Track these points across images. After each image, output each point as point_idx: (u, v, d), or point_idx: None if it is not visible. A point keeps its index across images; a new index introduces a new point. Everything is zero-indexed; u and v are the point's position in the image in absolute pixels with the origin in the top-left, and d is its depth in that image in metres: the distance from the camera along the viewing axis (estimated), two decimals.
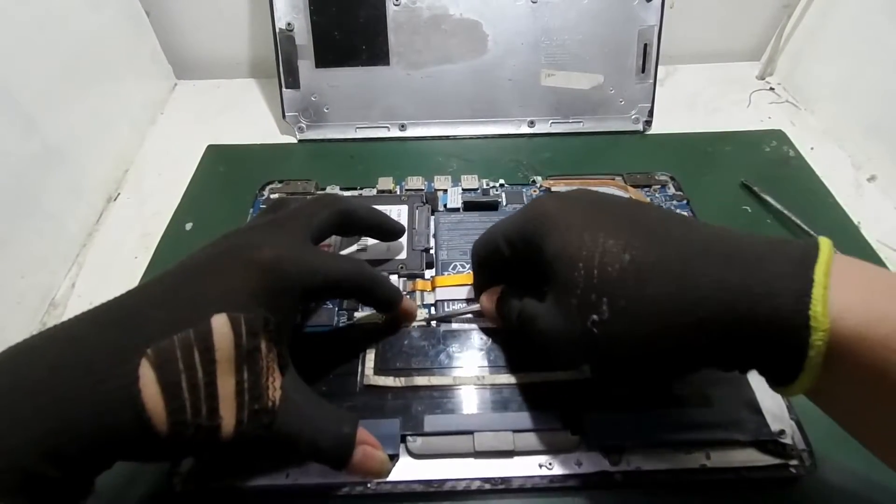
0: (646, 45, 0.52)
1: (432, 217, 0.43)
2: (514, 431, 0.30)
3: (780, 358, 0.21)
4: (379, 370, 0.33)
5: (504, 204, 0.45)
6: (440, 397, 0.32)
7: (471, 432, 0.30)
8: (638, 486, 0.29)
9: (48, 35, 0.42)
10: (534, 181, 0.47)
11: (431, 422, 0.30)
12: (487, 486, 0.29)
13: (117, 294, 0.25)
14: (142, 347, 0.22)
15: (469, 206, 0.44)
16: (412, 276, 0.39)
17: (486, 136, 0.53)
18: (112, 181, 0.50)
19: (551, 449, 0.30)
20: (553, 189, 0.46)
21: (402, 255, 0.39)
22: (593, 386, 0.32)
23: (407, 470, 0.29)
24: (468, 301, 0.37)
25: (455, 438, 0.30)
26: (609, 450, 0.30)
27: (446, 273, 0.38)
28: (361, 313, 0.36)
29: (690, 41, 0.62)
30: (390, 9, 0.50)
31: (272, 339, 0.25)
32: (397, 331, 0.35)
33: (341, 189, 0.46)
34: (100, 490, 0.23)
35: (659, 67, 0.52)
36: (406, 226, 0.41)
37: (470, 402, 0.32)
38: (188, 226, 0.45)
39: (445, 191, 0.46)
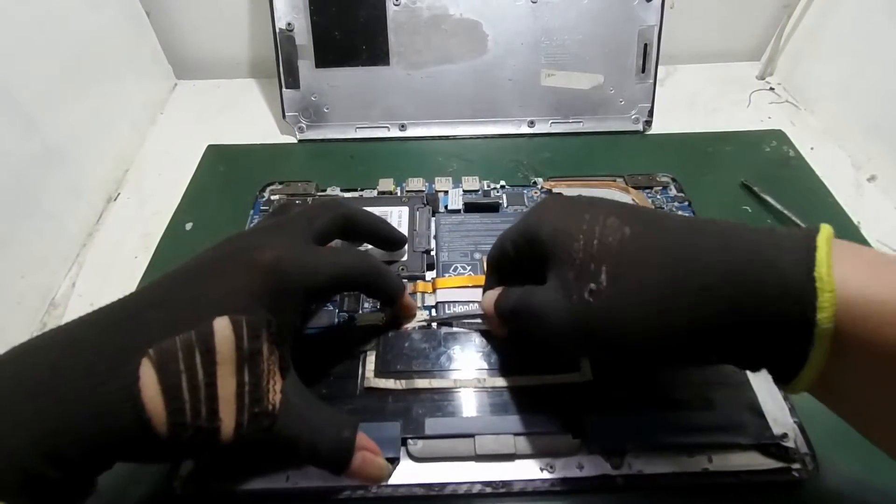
0: (646, 45, 0.51)
1: (433, 219, 0.43)
2: (516, 434, 0.30)
3: (786, 333, 0.20)
4: (379, 372, 0.33)
5: (505, 205, 0.45)
6: (441, 400, 0.32)
7: (472, 435, 0.30)
8: (639, 489, 0.29)
9: (48, 35, 0.42)
10: (534, 182, 0.47)
11: (432, 425, 0.30)
12: (488, 490, 0.29)
13: (118, 294, 0.25)
14: (143, 348, 0.22)
15: (470, 208, 0.44)
16: (413, 278, 0.39)
17: (486, 136, 0.53)
18: (112, 181, 0.50)
19: (552, 452, 0.30)
20: (554, 191, 0.46)
21: (403, 257, 0.39)
22: (595, 389, 0.32)
23: (408, 473, 0.29)
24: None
25: (456, 441, 0.30)
26: (610, 453, 0.30)
27: (447, 275, 0.38)
28: (362, 315, 0.36)
29: (690, 41, 0.62)
30: (390, 9, 0.50)
31: (274, 342, 0.24)
32: (398, 328, 0.35)
33: (342, 190, 0.46)
34: (100, 491, 0.23)
35: (659, 67, 0.52)
36: (407, 228, 0.41)
37: (471, 405, 0.31)
38: (188, 226, 0.45)
39: (446, 192, 0.45)
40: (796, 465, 0.29)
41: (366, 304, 0.37)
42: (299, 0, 0.49)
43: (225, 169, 0.51)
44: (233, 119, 0.57)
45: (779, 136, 0.53)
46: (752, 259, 0.21)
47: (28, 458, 0.20)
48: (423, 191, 0.46)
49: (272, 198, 0.46)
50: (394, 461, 0.29)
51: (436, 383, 0.32)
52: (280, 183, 0.47)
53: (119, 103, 0.51)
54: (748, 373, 0.32)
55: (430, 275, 0.39)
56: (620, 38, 0.51)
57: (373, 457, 0.27)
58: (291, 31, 0.50)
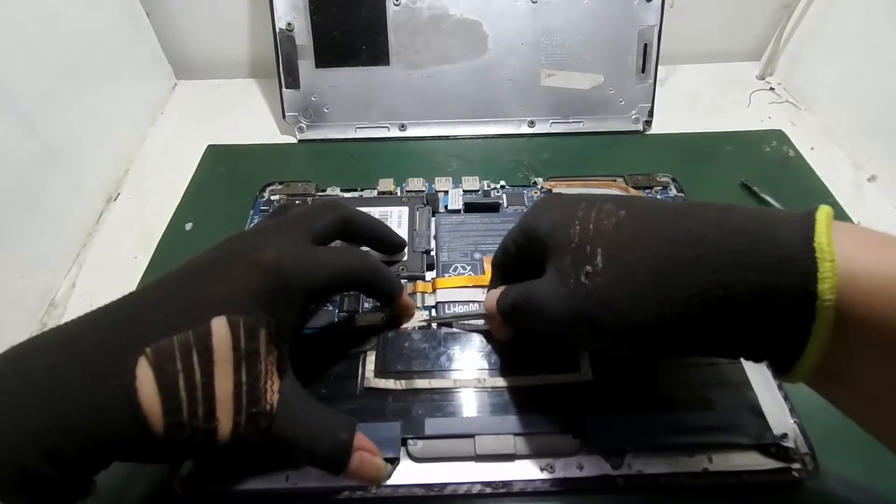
0: (646, 45, 0.51)
1: (433, 219, 0.43)
2: (516, 435, 0.30)
3: (787, 307, 0.19)
4: (379, 373, 0.33)
5: (505, 205, 0.45)
6: (441, 400, 0.32)
7: (472, 436, 0.30)
8: (639, 489, 0.29)
9: (48, 35, 0.42)
10: (534, 182, 0.47)
11: (432, 425, 0.30)
12: (488, 490, 0.29)
13: (117, 294, 0.25)
14: (140, 348, 0.22)
15: (470, 208, 0.44)
16: (413, 278, 0.39)
17: (486, 136, 0.53)
18: (112, 181, 0.50)
19: (552, 452, 0.30)
20: (554, 191, 0.46)
21: (404, 257, 0.39)
22: (595, 389, 0.32)
23: (407, 473, 0.29)
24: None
25: (456, 442, 0.30)
26: (610, 453, 0.30)
27: (447, 275, 0.38)
28: (362, 315, 0.36)
29: (690, 41, 0.62)
30: (390, 9, 0.50)
31: (272, 342, 0.24)
32: (397, 327, 0.35)
33: (342, 190, 0.46)
34: (100, 491, 0.23)
35: (659, 67, 0.52)
36: (407, 228, 0.41)
37: (471, 405, 0.31)
38: (188, 226, 0.45)
39: (446, 192, 0.45)
40: (796, 465, 0.29)
41: (366, 304, 0.37)
42: (299, 0, 0.49)
43: (225, 169, 0.51)
44: (233, 119, 0.57)
45: (779, 136, 0.53)
46: (749, 230, 0.20)
47: (25, 456, 0.20)
48: (423, 191, 0.46)
49: (272, 198, 0.46)
50: (394, 461, 0.29)
51: (436, 383, 0.32)
52: (280, 183, 0.47)
53: (119, 103, 0.51)
54: (748, 373, 0.32)
55: (429, 275, 0.39)
56: (620, 38, 0.51)
57: (371, 457, 0.27)
58: (291, 31, 0.50)
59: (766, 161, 0.51)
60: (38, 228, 0.40)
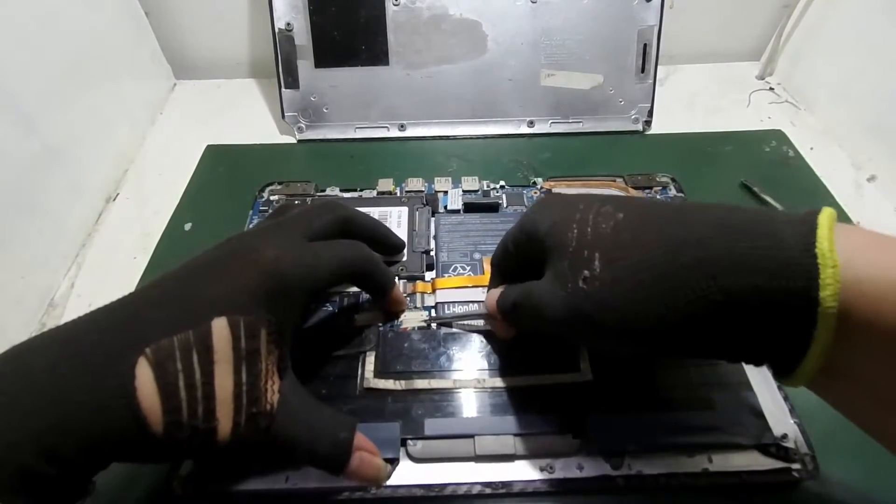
0: (645, 45, 0.51)
1: (433, 219, 0.42)
2: (515, 435, 0.30)
3: (788, 309, 0.19)
4: (379, 373, 0.33)
5: (504, 205, 0.45)
6: (441, 400, 0.32)
7: (472, 436, 0.30)
8: (640, 490, 0.29)
9: (48, 35, 0.42)
10: (534, 182, 0.47)
11: (432, 425, 0.30)
12: (488, 490, 0.29)
13: (117, 294, 0.25)
14: (140, 347, 0.22)
15: (469, 208, 0.44)
16: (412, 278, 0.38)
17: (485, 137, 0.53)
18: (112, 181, 0.49)
19: (552, 453, 0.30)
20: (554, 191, 0.46)
21: (403, 257, 0.39)
22: (595, 389, 0.32)
23: (407, 474, 0.29)
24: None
25: (456, 442, 0.30)
26: (611, 453, 0.30)
27: (447, 275, 0.38)
28: (361, 315, 0.36)
29: (690, 41, 0.62)
30: (390, 9, 0.50)
31: (272, 342, 0.24)
32: (393, 321, 0.35)
33: (341, 190, 0.46)
34: (100, 491, 0.23)
35: (659, 67, 0.52)
36: (406, 228, 0.41)
37: (471, 405, 0.31)
38: (188, 226, 0.45)
39: (446, 192, 0.45)
40: (796, 465, 0.29)
41: (365, 305, 0.37)
42: (299, 0, 0.49)
43: (224, 169, 0.51)
44: (232, 119, 0.57)
45: (778, 136, 0.53)
46: (751, 233, 0.20)
47: (25, 456, 0.20)
48: (422, 191, 0.46)
49: (271, 198, 0.46)
50: (393, 462, 0.29)
51: (435, 384, 0.32)
52: (279, 183, 0.47)
53: (118, 103, 0.51)
54: (748, 373, 0.32)
55: (429, 275, 0.39)
56: (620, 38, 0.51)
57: (371, 457, 0.27)
58: (291, 31, 0.50)
59: (766, 161, 0.51)
60: (38, 228, 0.40)
